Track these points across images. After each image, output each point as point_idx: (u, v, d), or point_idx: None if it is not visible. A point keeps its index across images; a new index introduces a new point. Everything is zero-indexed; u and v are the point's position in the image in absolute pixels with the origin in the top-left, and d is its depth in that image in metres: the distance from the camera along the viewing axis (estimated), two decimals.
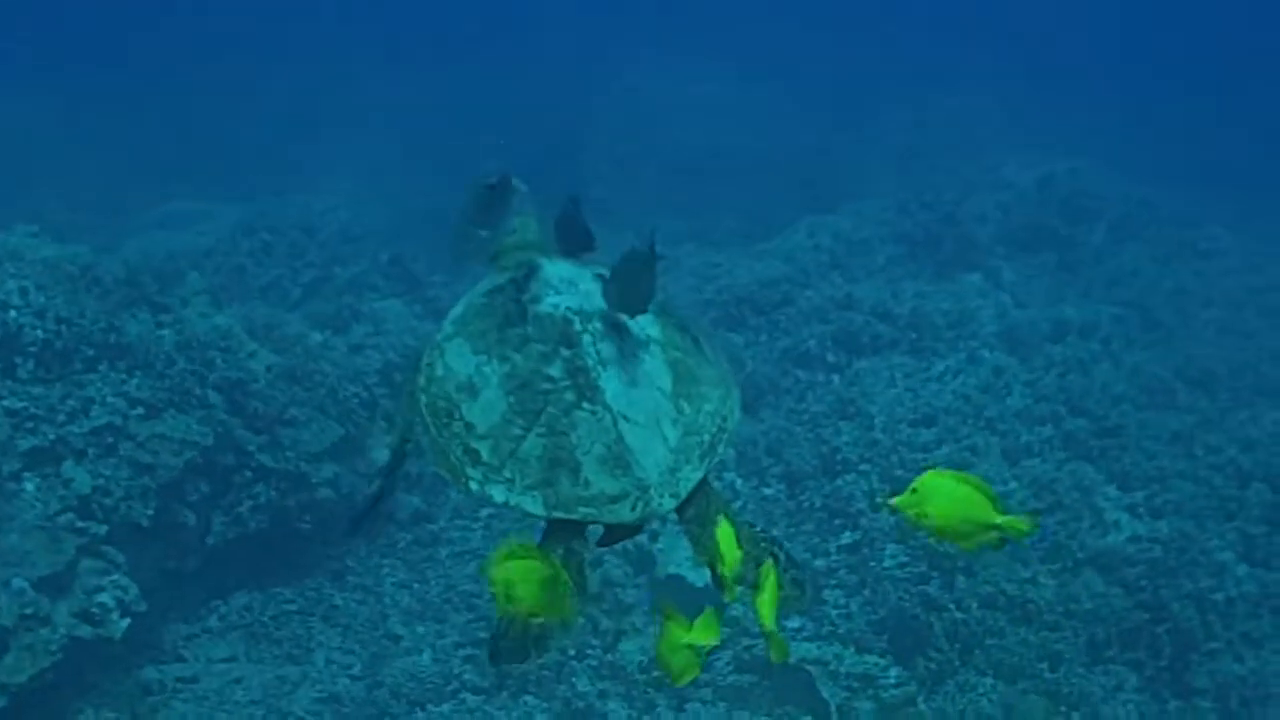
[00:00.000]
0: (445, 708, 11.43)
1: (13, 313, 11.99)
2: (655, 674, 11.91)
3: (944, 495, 5.02)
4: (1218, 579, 12.47)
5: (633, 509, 4.96)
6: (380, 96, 29.29)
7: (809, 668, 11.68)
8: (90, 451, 11.71)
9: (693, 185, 23.90)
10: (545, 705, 11.59)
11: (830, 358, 16.03)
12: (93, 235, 17.55)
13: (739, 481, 13.95)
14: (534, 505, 4.94)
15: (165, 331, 13.06)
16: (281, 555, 13.22)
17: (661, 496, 4.99)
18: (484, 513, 14.33)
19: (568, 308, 5.21)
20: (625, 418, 5.01)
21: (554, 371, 5.05)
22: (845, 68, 33.48)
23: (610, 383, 5.05)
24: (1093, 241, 20.80)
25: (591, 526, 5.13)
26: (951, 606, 12.03)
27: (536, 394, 5.03)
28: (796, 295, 17.23)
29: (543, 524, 5.16)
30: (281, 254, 19.04)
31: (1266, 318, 18.86)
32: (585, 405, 4.99)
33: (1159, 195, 22.71)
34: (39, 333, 12.01)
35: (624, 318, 5.21)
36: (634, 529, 5.21)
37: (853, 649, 11.94)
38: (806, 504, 13.67)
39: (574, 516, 4.96)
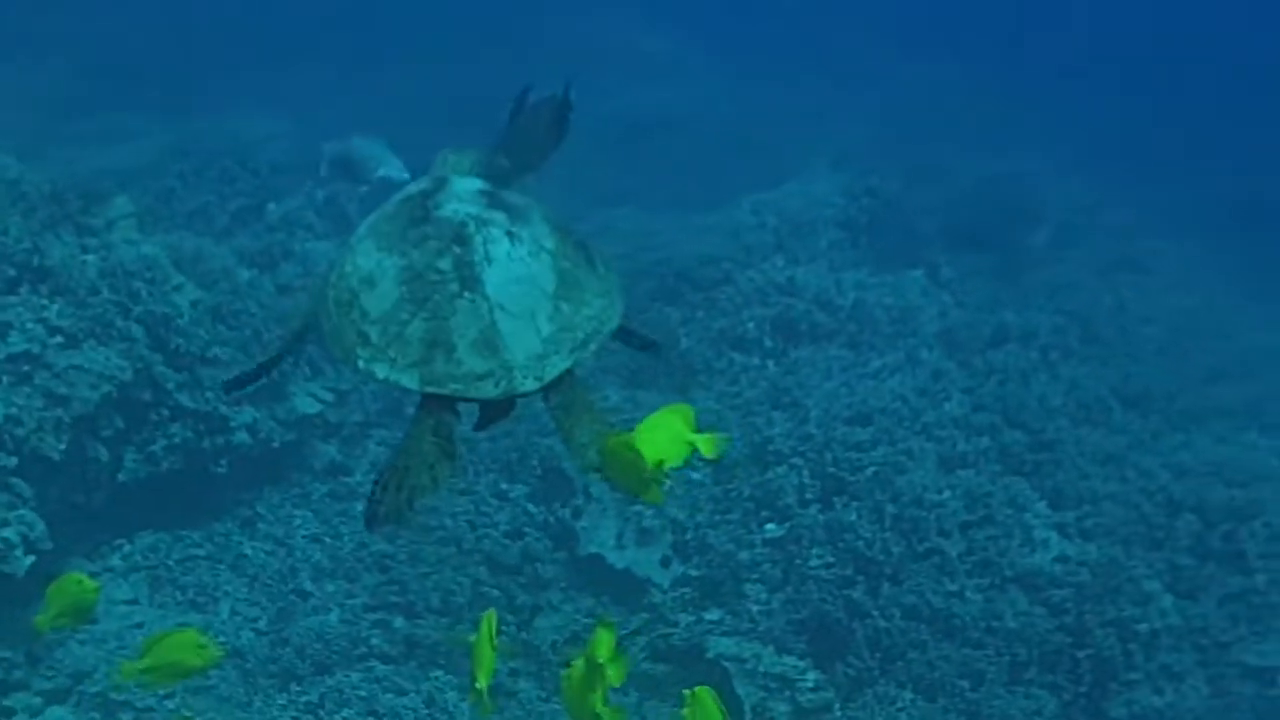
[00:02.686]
0: (353, 675, 11.07)
1: None
2: (568, 656, 11.66)
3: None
4: (1142, 608, 12.30)
5: (496, 386, 5.34)
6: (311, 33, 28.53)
7: (725, 664, 11.44)
8: (4, 379, 11.25)
9: (635, 145, 23.42)
10: (455, 680, 11.30)
11: (768, 343, 15.73)
12: (15, 138, 16.97)
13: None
14: (410, 380, 5.35)
15: (90, 257, 12.59)
16: (193, 498, 12.80)
17: (525, 378, 5.37)
18: None
19: (467, 213, 5.56)
20: (502, 308, 5.37)
21: (444, 265, 5.41)
22: (805, 39, 32.99)
23: (493, 277, 5.40)
24: (1034, 246, 20.55)
25: (465, 405, 5.51)
26: (875, 614, 11.85)
27: (426, 284, 5.40)
28: (737, 274, 16.90)
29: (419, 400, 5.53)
30: (212, 180, 18.47)
31: (1202, 339, 18.75)
32: (466, 294, 5.36)
33: (1104, 202, 22.56)
34: None
35: (518, 229, 5.59)
36: (504, 410, 5.68)
37: (772, 648, 11.68)
38: (734, 493, 13.38)
39: (444, 392, 5.36)
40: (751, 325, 15.86)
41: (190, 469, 12.58)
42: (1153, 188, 24.06)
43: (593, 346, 5.58)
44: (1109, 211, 22.37)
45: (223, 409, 12.64)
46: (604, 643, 5.80)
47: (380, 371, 5.38)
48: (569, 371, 5.53)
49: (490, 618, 6.09)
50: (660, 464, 5.27)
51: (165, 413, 12.34)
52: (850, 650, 11.71)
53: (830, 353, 15.65)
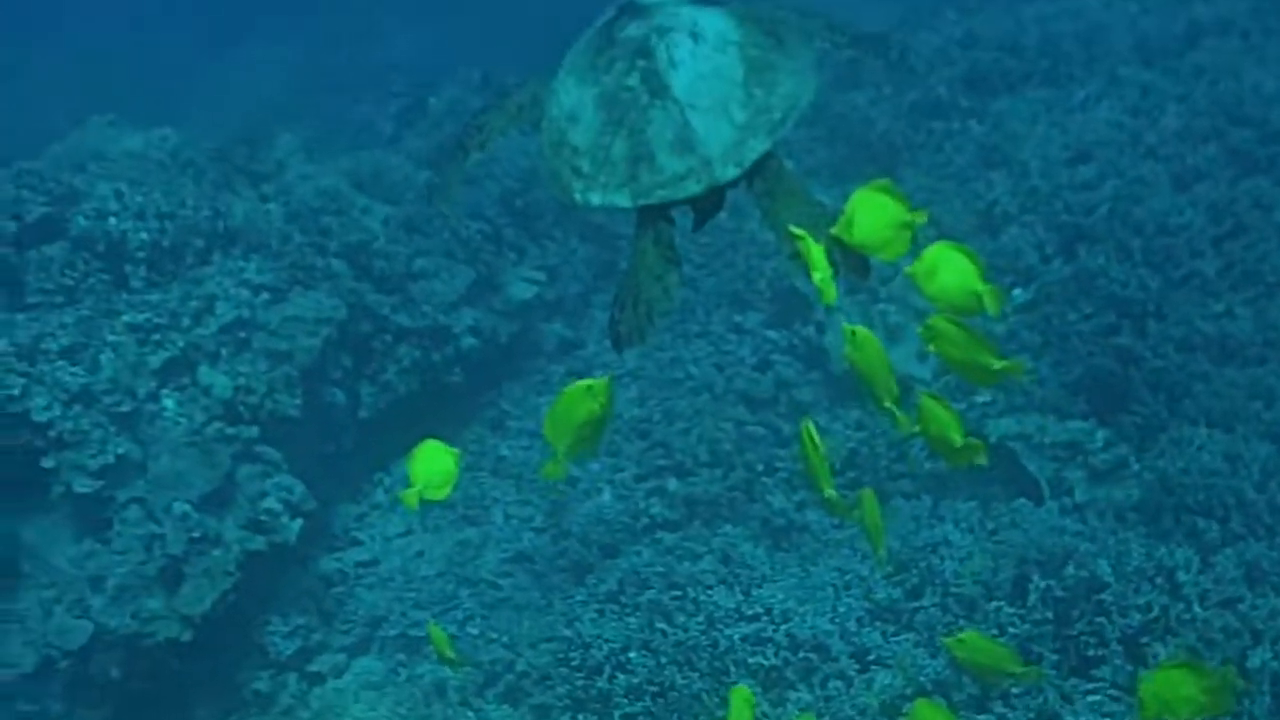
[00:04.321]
0: (644, 552, 10.85)
1: (112, 220, 11.40)
2: (850, 475, 11.34)
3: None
4: None
5: (698, 182, 5.53)
6: None
7: (1011, 444, 11.06)
8: (223, 351, 11.19)
9: None
10: (745, 531, 11.05)
11: (964, 102, 15.11)
12: (162, 106, 16.83)
13: None
14: (623, 199, 5.60)
15: (272, 205, 12.45)
16: (436, 414, 12.68)
17: (725, 167, 5.55)
18: None
19: (649, 27, 5.73)
20: (692, 106, 5.56)
21: (632, 81, 5.63)
22: None
23: (680, 80, 5.59)
24: None
25: (676, 209, 5.75)
26: (1148, 354, 11.30)
27: (620, 105, 5.64)
28: (913, 40, 16.26)
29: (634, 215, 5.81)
30: (363, 87, 18.31)
31: None
32: (657, 102, 5.56)
33: None
34: (144, 235, 11.42)
35: (701, 28, 5.73)
36: (714, 205, 5.85)
37: (1053, 416, 11.24)
38: None
39: (653, 201, 5.59)
40: (942, 89, 15.23)
41: (426, 386, 12.55)
42: None
43: (790, 124, 5.70)
44: None
45: (442, 319, 12.55)
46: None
47: (595, 199, 5.65)
48: (770, 155, 5.70)
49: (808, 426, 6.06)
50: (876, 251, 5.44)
51: (388, 339, 12.31)
52: (1132, 398, 11.21)
53: (1030, 96, 14.96)
